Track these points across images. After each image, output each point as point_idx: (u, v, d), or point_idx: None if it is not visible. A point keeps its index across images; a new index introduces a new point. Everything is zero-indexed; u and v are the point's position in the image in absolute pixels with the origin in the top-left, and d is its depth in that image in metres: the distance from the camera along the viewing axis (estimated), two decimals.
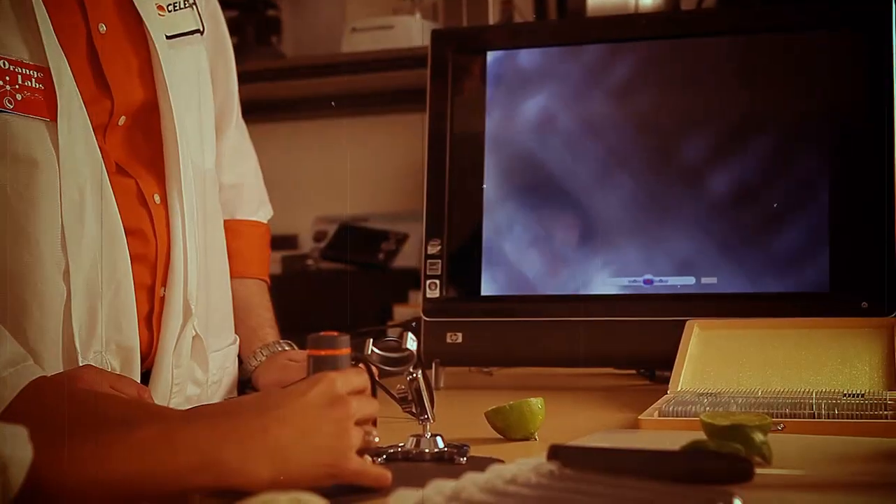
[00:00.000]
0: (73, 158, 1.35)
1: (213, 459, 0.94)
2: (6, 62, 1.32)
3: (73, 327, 1.35)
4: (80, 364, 1.35)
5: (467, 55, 1.96)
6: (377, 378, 1.53)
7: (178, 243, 1.47)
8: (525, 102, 1.93)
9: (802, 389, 1.45)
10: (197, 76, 1.56)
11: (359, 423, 1.02)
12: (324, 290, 2.93)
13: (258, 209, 1.79)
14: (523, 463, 0.94)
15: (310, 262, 3.04)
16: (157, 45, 1.46)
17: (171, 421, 0.99)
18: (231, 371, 1.66)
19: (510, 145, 1.93)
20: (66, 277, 1.35)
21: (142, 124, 1.47)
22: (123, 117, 1.44)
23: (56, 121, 1.34)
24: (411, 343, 1.22)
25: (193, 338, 1.50)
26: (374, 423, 1.06)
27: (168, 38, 1.49)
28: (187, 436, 0.95)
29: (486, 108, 1.93)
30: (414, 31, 2.87)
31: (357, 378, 1.05)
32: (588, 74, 1.91)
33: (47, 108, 1.34)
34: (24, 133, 1.33)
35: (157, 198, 1.47)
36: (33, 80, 1.33)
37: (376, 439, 1.04)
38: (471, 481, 0.88)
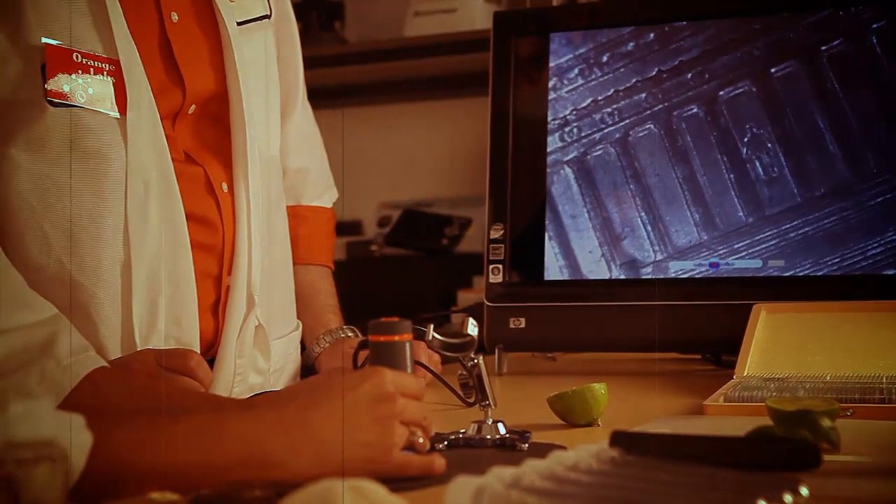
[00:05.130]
0: (139, 152, 1.34)
1: (257, 452, 0.94)
2: (79, 55, 1.31)
3: (134, 323, 1.34)
4: None
5: (530, 37, 1.95)
6: (440, 369, 1.51)
7: (243, 232, 1.46)
8: (587, 84, 1.91)
9: (872, 374, 1.42)
10: (265, 62, 1.55)
11: (405, 423, 1.01)
12: (388, 275, 2.94)
13: (324, 193, 1.79)
14: (584, 449, 0.93)
15: (374, 247, 3.04)
16: (228, 32, 1.45)
17: (220, 411, 0.99)
18: (294, 357, 1.66)
19: (573, 128, 1.91)
20: (128, 272, 1.34)
21: (210, 112, 1.46)
22: (194, 106, 1.43)
23: (125, 114, 1.33)
24: (472, 328, 1.21)
25: (256, 327, 1.49)
26: (425, 430, 1.04)
27: (239, 24, 1.47)
28: (234, 426, 0.95)
29: (549, 90, 1.92)
30: (477, 14, 2.86)
31: (410, 381, 1.04)
32: (652, 54, 1.88)
33: (118, 101, 1.33)
34: (95, 127, 1.32)
35: (224, 186, 1.46)
36: (105, 72, 1.32)
37: (420, 440, 1.03)
38: (531, 468, 0.87)
